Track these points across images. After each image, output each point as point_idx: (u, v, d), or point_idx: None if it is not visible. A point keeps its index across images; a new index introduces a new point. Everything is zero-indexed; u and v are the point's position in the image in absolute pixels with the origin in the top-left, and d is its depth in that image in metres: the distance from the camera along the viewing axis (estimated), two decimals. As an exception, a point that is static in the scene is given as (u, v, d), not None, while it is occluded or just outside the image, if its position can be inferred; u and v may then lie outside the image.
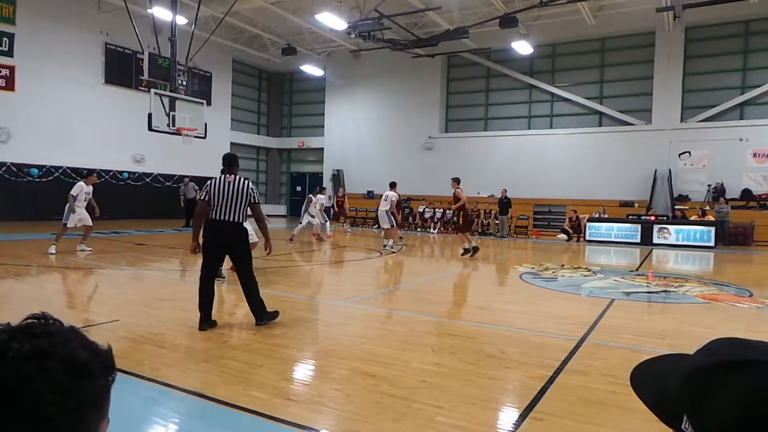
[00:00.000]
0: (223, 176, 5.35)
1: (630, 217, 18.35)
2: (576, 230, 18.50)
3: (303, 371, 4.36)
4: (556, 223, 20.59)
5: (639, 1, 18.83)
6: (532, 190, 21.58)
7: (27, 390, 0.64)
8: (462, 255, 12.16)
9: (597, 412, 3.44)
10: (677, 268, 12.34)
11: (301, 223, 15.48)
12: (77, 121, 19.42)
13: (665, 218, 18.15)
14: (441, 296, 7.75)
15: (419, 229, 21.43)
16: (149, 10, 15.21)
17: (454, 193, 12.20)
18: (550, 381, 3.94)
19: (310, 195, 15.49)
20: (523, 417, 3.32)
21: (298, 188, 29.50)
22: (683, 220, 17.70)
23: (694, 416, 0.63)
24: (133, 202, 20.59)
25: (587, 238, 18.06)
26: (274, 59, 25.80)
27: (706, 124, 19.81)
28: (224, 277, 7.70)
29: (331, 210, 20.64)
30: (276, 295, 7.23)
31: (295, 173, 30.57)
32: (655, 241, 16.97)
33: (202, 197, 5.39)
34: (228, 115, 26.46)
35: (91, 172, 11.78)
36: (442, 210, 21.48)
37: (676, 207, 19.00)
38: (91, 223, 11.10)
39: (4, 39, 17.32)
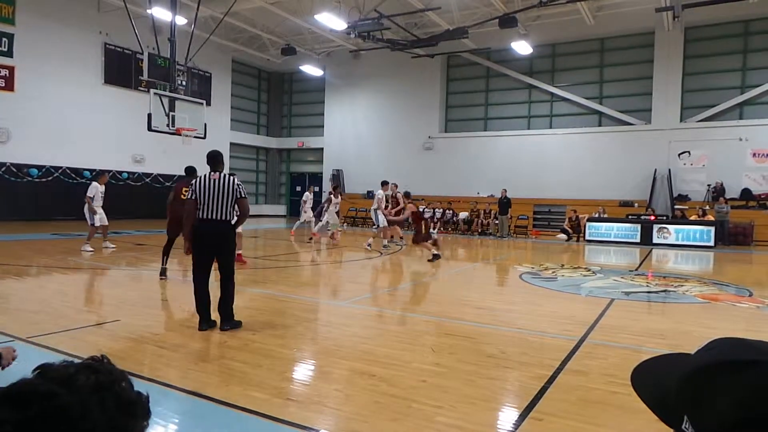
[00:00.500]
0: (208, 174, 5.31)
1: (630, 216, 18.35)
2: (576, 230, 18.50)
3: (303, 371, 4.35)
4: (556, 223, 20.58)
5: (638, 1, 18.84)
6: (532, 190, 21.58)
7: (87, 421, 0.68)
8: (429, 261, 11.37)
9: (597, 412, 3.44)
10: (677, 268, 12.34)
11: (320, 221, 15.35)
12: (77, 122, 19.42)
13: (665, 218, 18.15)
14: (441, 296, 7.75)
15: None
16: (149, 11, 15.21)
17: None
18: (550, 381, 3.93)
19: (330, 195, 15.17)
20: (522, 417, 3.31)
21: (298, 188, 29.50)
22: (683, 219, 17.71)
23: (695, 416, 0.63)
24: (133, 202, 20.58)
25: (587, 238, 18.06)
26: (273, 59, 25.80)
27: (706, 124, 19.82)
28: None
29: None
30: (276, 295, 7.23)
31: (294, 173, 30.57)
32: (655, 240, 16.97)
33: (189, 196, 5.39)
34: (228, 116, 26.46)
35: (102, 172, 12.30)
36: (441, 210, 21.49)
37: (676, 207, 19.00)
38: (107, 222, 11.61)
39: (4, 39, 17.32)
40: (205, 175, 5.32)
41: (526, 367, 4.28)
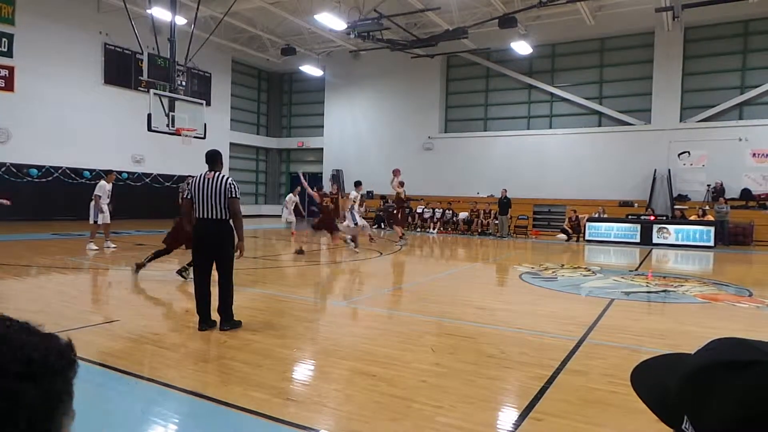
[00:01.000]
0: (204, 174, 5.32)
1: (629, 217, 18.35)
2: (575, 230, 18.50)
3: (303, 371, 4.35)
4: (556, 223, 20.59)
5: (638, 1, 18.84)
6: (532, 190, 21.58)
7: None
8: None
9: (597, 412, 3.44)
10: (677, 268, 12.34)
11: (355, 224, 14.90)
12: (76, 122, 19.41)
13: (665, 218, 18.15)
14: (441, 296, 7.75)
15: (419, 230, 21.43)
16: (148, 11, 15.22)
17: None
18: (550, 381, 3.94)
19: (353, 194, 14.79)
20: (522, 417, 3.31)
21: (298, 188, 29.44)
22: (683, 220, 17.71)
23: (695, 416, 0.63)
24: (133, 202, 20.55)
25: (587, 238, 18.06)
26: (273, 59, 25.80)
27: (706, 124, 19.82)
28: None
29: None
30: (276, 295, 7.23)
31: (294, 173, 30.55)
32: (655, 240, 16.97)
33: (185, 195, 5.39)
34: (227, 116, 26.46)
35: (110, 171, 12.49)
36: (441, 210, 21.49)
37: (676, 207, 19.00)
38: (110, 221, 11.83)
39: (4, 39, 17.31)
40: (200, 175, 5.33)
41: (526, 367, 4.28)
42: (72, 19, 19.23)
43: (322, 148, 27.91)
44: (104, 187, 11.57)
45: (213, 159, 5.40)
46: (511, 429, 3.18)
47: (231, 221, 5.36)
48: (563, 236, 18.57)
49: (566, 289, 8.21)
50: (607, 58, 21.73)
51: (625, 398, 3.49)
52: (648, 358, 0.78)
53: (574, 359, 4.52)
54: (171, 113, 13.97)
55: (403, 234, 15.54)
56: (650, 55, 20.51)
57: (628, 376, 0.78)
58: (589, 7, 19.33)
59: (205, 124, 15.04)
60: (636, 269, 11.33)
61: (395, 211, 16.45)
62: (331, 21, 18.23)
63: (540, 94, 22.94)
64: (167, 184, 22.51)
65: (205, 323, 5.19)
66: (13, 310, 6.16)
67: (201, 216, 5.25)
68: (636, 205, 19.76)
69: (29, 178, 18.39)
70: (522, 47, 20.55)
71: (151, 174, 22.32)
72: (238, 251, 5.34)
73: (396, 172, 15.70)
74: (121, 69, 20.76)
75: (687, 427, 0.64)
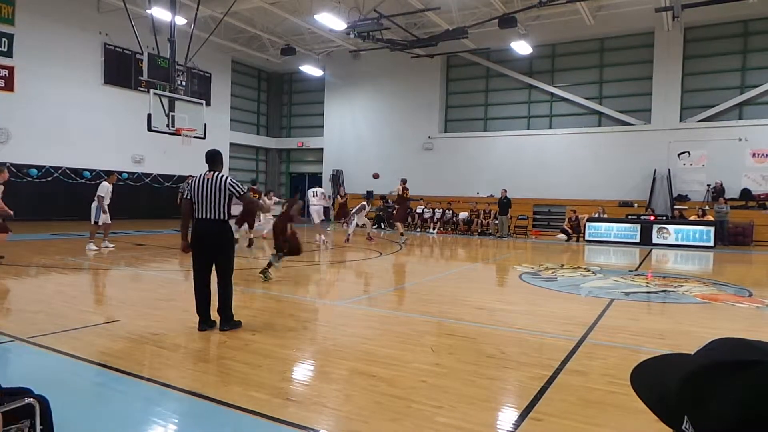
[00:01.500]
0: (203, 174, 5.31)
1: (629, 217, 18.35)
2: (575, 230, 18.50)
3: (302, 371, 4.35)
4: (556, 223, 20.59)
5: (638, 1, 18.85)
6: (532, 190, 21.58)
7: None
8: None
9: (596, 412, 3.44)
10: (677, 268, 12.34)
11: (358, 225, 15.45)
12: (76, 122, 19.41)
13: (665, 218, 18.15)
14: (440, 296, 7.75)
15: (418, 230, 21.43)
16: (148, 11, 15.22)
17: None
18: (550, 381, 3.94)
19: (364, 203, 15.16)
20: (522, 417, 3.31)
21: (298, 188, 29.49)
22: (682, 220, 17.71)
23: (695, 416, 0.63)
24: (133, 202, 20.55)
25: (587, 238, 18.06)
26: (273, 59, 25.80)
27: (705, 124, 19.82)
28: None
29: (331, 210, 20.68)
30: (276, 295, 7.23)
31: (294, 173, 30.58)
32: (655, 241, 16.97)
33: (184, 196, 5.39)
34: (227, 116, 26.46)
35: (112, 172, 12.58)
36: (441, 210, 21.49)
37: (676, 207, 19.00)
38: (110, 221, 11.95)
39: (3, 39, 17.31)
40: (200, 175, 5.33)
41: (526, 368, 4.28)
42: (72, 19, 19.23)
43: (321, 148, 27.90)
44: (106, 188, 11.68)
45: (213, 159, 5.39)
46: (510, 429, 3.18)
47: (230, 221, 5.36)
48: (563, 236, 18.57)
49: (566, 290, 8.21)
50: (606, 58, 21.73)
51: (625, 398, 3.49)
52: (647, 358, 0.78)
53: (573, 359, 4.52)
54: (171, 113, 13.97)
55: (402, 233, 15.54)
56: (650, 55, 20.51)
57: (627, 377, 0.78)
58: (589, 7, 19.33)
59: (205, 124, 15.03)
60: (636, 269, 11.33)
61: (395, 212, 16.56)
62: (331, 21, 18.23)
63: (540, 94, 22.94)
64: (167, 184, 22.51)
65: (205, 323, 5.19)
66: (14, 310, 6.17)
67: (201, 216, 5.24)
68: (636, 205, 19.76)
69: (29, 178, 18.38)
70: (522, 47, 20.55)
71: (151, 174, 22.32)
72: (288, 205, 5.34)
73: (403, 182, 16.11)
74: (121, 69, 20.76)
75: (687, 427, 0.63)
